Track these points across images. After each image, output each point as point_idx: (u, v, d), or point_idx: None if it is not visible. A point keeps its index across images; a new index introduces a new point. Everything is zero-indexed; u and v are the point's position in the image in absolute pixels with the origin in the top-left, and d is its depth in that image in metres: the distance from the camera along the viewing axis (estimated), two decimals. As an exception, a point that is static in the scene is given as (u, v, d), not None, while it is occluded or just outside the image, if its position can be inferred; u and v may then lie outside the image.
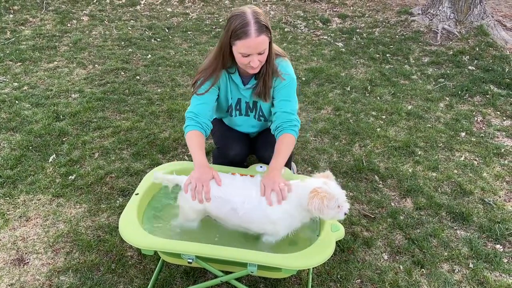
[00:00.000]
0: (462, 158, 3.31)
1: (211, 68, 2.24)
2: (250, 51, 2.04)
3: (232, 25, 2.02)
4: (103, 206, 2.69)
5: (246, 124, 2.63)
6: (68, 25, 5.71)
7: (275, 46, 2.28)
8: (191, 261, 1.91)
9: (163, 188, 2.28)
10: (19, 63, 4.56)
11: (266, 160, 2.57)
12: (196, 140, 2.21)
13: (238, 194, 2.03)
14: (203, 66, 2.29)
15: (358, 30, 5.91)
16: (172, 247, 1.88)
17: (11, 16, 5.81)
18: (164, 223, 2.19)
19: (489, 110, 4.01)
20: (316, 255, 1.84)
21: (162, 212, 2.21)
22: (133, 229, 1.95)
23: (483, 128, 3.75)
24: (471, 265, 2.39)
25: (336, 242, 1.97)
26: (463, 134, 3.62)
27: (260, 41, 2.02)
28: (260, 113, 2.51)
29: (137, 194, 2.15)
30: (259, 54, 2.07)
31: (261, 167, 2.40)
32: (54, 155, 3.12)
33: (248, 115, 2.52)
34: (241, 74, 2.31)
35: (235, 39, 2.03)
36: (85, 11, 6.18)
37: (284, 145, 2.24)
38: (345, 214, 1.91)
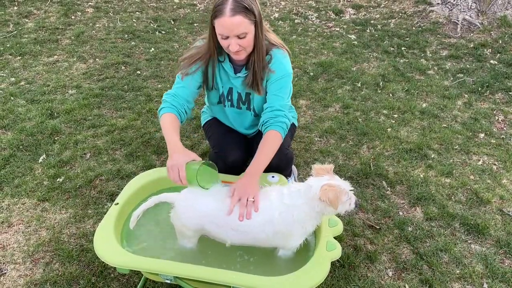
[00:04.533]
0: (480, 162, 3.04)
1: (198, 55, 2.12)
2: (226, 32, 1.89)
3: (214, 2, 1.90)
4: (90, 211, 2.55)
5: (240, 120, 2.46)
6: (72, 17, 5.58)
7: (271, 36, 2.14)
8: (169, 281, 1.74)
9: (146, 198, 2.11)
10: (18, 57, 4.45)
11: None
12: (170, 124, 2.06)
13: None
14: (193, 51, 2.17)
15: (372, 22, 5.61)
16: (148, 266, 1.72)
17: (15, 8, 5.72)
18: (147, 236, 2.03)
19: (512, 109, 3.71)
20: (307, 278, 1.64)
21: (144, 223, 2.05)
22: (108, 244, 1.79)
23: (505, 128, 3.46)
24: (485, 285, 2.16)
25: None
26: (482, 135, 3.34)
27: (235, 22, 1.86)
28: (252, 107, 2.34)
29: (117, 204, 1.99)
30: (239, 38, 1.92)
31: (253, 174, 2.20)
32: (44, 155, 2.99)
33: (240, 108, 2.36)
34: (232, 61, 2.17)
35: (213, 18, 1.90)
36: (90, 3, 6.04)
37: (268, 145, 2.07)
38: (356, 205, 1.81)
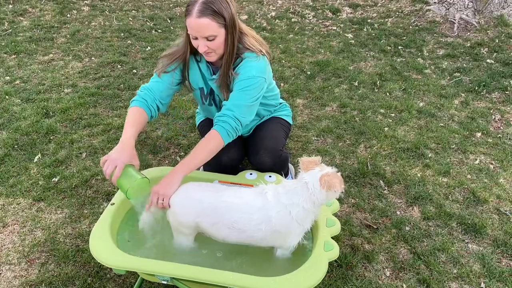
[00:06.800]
0: (477, 162, 3.04)
1: (175, 54, 2.15)
2: (194, 33, 1.92)
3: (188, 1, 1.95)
4: (86, 211, 2.52)
5: None
6: (68, 15, 5.54)
7: (249, 39, 2.11)
8: (165, 282, 1.73)
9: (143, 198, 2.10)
10: (13, 56, 4.41)
11: (257, 164, 2.38)
12: (133, 117, 2.05)
13: (234, 209, 1.82)
14: (172, 50, 2.18)
15: (369, 21, 5.61)
16: (145, 266, 1.70)
17: (10, 6, 5.67)
18: (143, 235, 2.02)
19: (508, 108, 3.71)
20: (305, 278, 1.64)
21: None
22: (104, 245, 1.78)
23: (501, 127, 3.46)
24: (482, 285, 2.15)
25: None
26: (478, 134, 3.34)
27: (201, 24, 1.88)
28: None
29: (112, 204, 1.98)
30: (208, 40, 1.93)
31: (250, 174, 2.20)
32: (40, 155, 2.96)
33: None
34: (210, 63, 2.17)
35: (184, 17, 1.94)
36: (86, 1, 6.00)
37: (203, 144, 2.01)
38: None
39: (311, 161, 1.79)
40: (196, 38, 1.95)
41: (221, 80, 2.12)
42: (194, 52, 2.13)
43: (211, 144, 2.02)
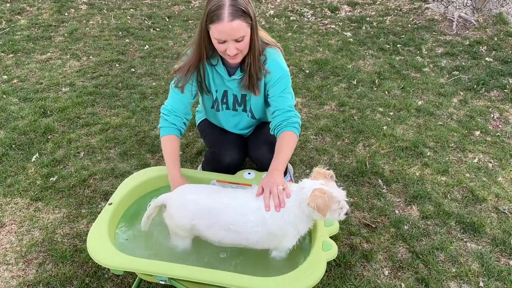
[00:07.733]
0: (476, 160, 3.03)
1: (189, 64, 2.09)
2: (224, 37, 1.87)
3: (208, 7, 1.86)
4: (84, 211, 2.52)
5: (234, 122, 2.43)
6: (66, 14, 5.52)
7: (264, 34, 2.11)
8: (163, 282, 1.72)
9: (141, 198, 2.10)
10: (11, 55, 4.39)
11: (259, 159, 2.38)
12: (170, 149, 2.10)
13: (230, 210, 1.81)
14: (183, 62, 2.13)
15: (368, 19, 5.59)
16: (142, 267, 1.70)
17: (7, 5, 5.64)
18: (140, 235, 2.01)
19: (507, 106, 3.71)
20: (303, 278, 1.63)
21: (139, 223, 2.03)
22: (102, 245, 1.77)
23: (500, 126, 3.45)
24: (481, 284, 2.15)
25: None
26: (477, 133, 3.34)
27: (234, 26, 1.83)
28: (249, 108, 2.31)
29: (110, 204, 1.97)
30: (237, 41, 1.89)
31: (249, 173, 2.19)
32: (37, 154, 2.95)
33: (236, 110, 2.33)
34: (226, 64, 2.13)
35: (209, 23, 1.87)
36: (83, -1, 5.99)
37: (284, 143, 2.08)
38: (346, 214, 1.77)
39: (321, 173, 1.78)
40: (224, 42, 1.89)
41: (248, 79, 2.10)
42: (208, 57, 2.10)
43: (292, 142, 2.11)
